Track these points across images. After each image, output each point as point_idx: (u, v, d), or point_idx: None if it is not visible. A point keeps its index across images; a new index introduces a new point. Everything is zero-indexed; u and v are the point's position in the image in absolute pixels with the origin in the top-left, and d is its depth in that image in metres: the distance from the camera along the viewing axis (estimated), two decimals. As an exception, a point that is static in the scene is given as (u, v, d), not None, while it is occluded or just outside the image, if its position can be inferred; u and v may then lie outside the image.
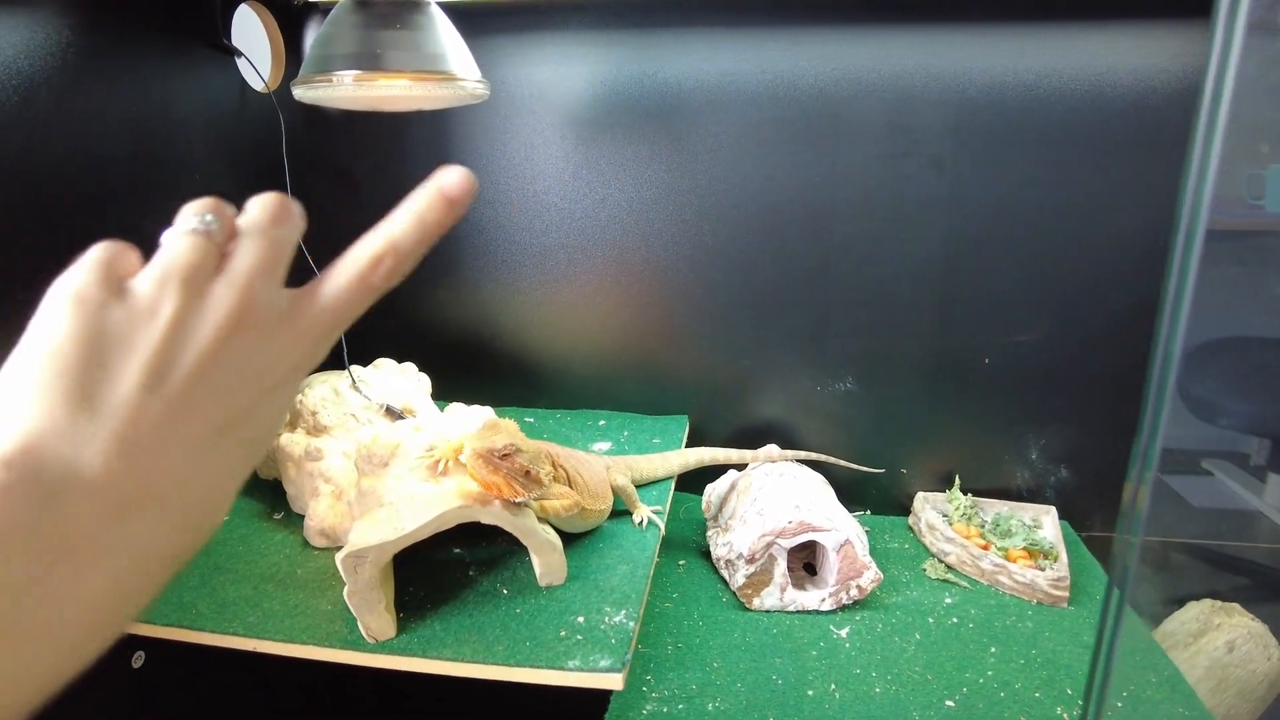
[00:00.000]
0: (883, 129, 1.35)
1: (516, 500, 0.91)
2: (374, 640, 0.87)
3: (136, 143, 1.11)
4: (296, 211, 0.42)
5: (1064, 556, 1.29)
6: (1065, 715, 1.00)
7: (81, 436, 0.31)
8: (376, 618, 0.87)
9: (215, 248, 0.38)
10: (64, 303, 0.35)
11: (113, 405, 0.32)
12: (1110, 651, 0.54)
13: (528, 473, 0.91)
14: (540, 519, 0.96)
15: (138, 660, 1.10)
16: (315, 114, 1.47)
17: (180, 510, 0.34)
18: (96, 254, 0.37)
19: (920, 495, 1.48)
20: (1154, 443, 0.51)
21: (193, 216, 0.39)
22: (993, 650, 1.13)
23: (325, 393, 1.17)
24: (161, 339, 0.34)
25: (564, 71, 1.41)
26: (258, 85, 1.35)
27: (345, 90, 0.86)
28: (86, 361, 0.33)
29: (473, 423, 1.07)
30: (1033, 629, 1.18)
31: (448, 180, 0.41)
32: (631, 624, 0.89)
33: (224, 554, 1.07)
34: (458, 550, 1.06)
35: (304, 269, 1.24)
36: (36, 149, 0.96)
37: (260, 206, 0.40)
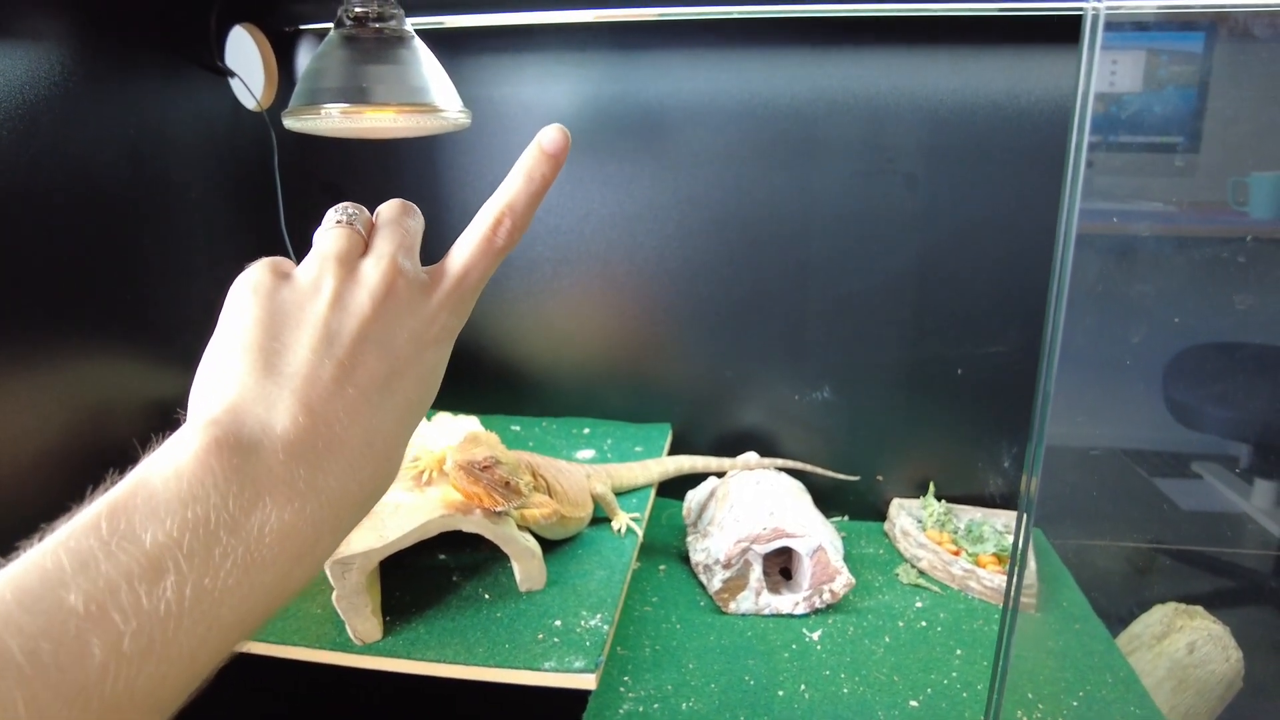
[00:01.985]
0: (858, 146, 1.39)
1: (497, 510, 0.95)
2: (361, 642, 0.91)
3: (134, 162, 1.15)
4: (419, 211, 0.49)
5: (1033, 563, 1.33)
6: (1023, 716, 1.05)
7: (270, 398, 0.37)
8: (364, 621, 0.91)
9: (359, 234, 0.45)
10: (244, 293, 0.41)
11: (293, 370, 0.39)
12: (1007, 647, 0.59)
13: (507, 484, 0.95)
14: (520, 527, 1.01)
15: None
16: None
17: (360, 459, 0.39)
18: (264, 258, 0.44)
19: (896, 501, 1.52)
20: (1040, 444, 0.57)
21: (336, 212, 0.45)
22: (958, 653, 1.17)
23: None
24: (326, 310, 0.41)
25: (546, 91, 1.45)
26: (250, 104, 1.40)
27: (334, 122, 0.90)
28: (268, 337, 0.39)
29: (458, 433, 1.11)
30: (998, 632, 1.22)
31: (547, 138, 0.49)
32: (606, 627, 0.94)
33: (217, 559, 1.11)
34: (442, 556, 1.11)
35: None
36: (40, 172, 1.00)
37: (390, 205, 0.48)
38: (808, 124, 1.40)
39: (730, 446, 1.51)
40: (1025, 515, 0.64)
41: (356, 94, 0.86)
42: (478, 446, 0.95)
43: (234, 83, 1.35)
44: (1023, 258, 1.40)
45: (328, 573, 0.88)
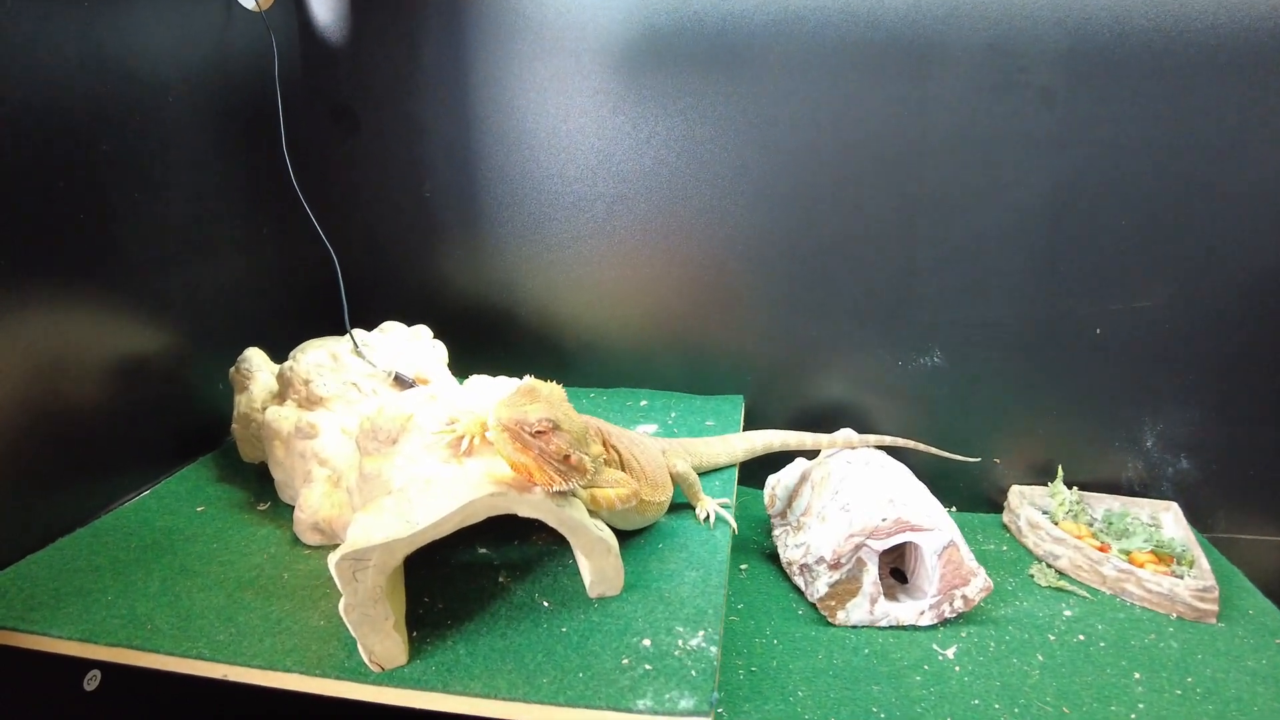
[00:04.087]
0: (981, 55, 1.14)
1: (554, 490, 0.70)
2: (379, 668, 0.67)
3: (100, 68, 0.92)
4: None
5: (1204, 561, 1.08)
6: (1252, 764, 0.79)
7: None
8: (382, 639, 0.66)
9: None
10: None
11: None
12: None
13: (567, 458, 0.70)
14: (590, 512, 0.76)
15: (91, 681, 0.90)
16: (313, 41, 1.26)
17: None
18: None
19: (1015, 489, 1.27)
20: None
21: None
22: (1136, 676, 0.92)
23: (321, 358, 0.96)
24: None
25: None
26: (248, 3, 1.15)
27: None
28: None
29: (500, 394, 0.86)
30: (1180, 650, 0.97)
31: None
32: (713, 649, 0.69)
33: (192, 553, 0.87)
34: (483, 549, 0.86)
35: (302, 217, 1.01)
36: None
37: None
38: (920, 27, 1.14)
39: (813, 423, 1.27)
40: None
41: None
42: (533, 403, 0.70)
43: (224, -28, 1.11)
44: (1182, 193, 1.15)
45: (333, 573, 0.63)
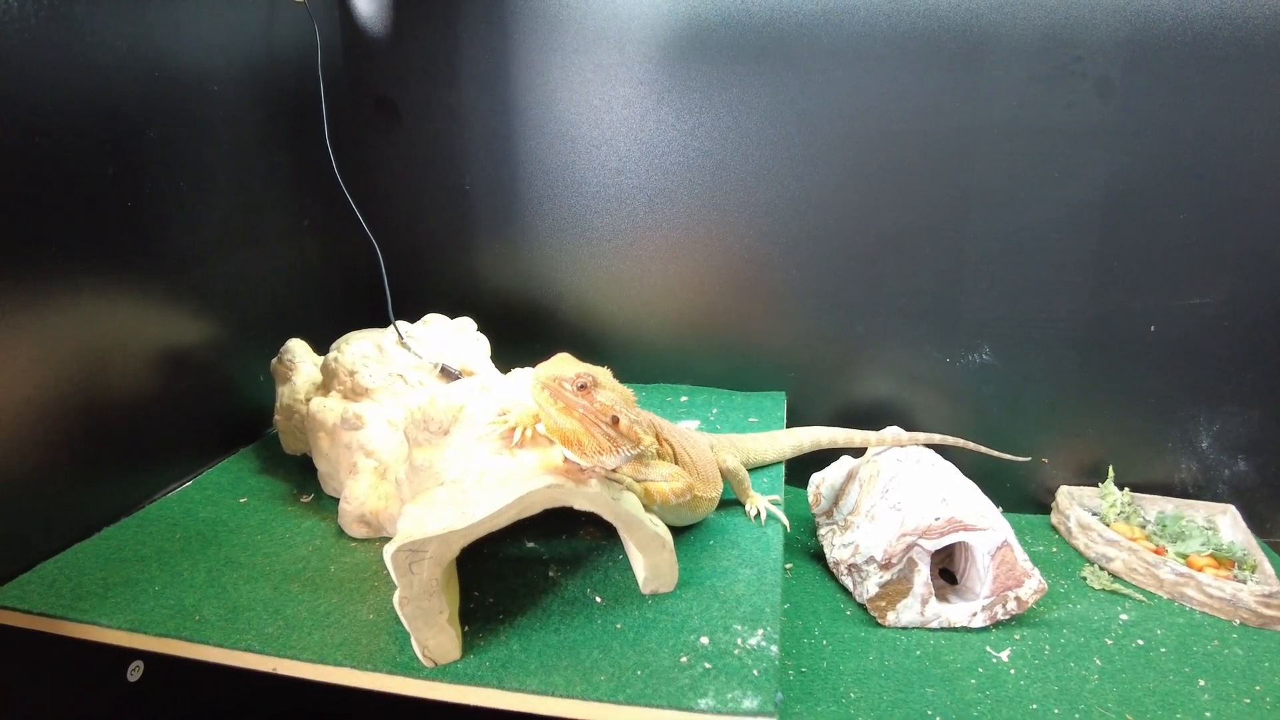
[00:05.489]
0: (1037, 43, 1.12)
1: (604, 460, 0.68)
2: (432, 664, 0.65)
3: (145, 59, 0.92)
4: None
5: (1267, 566, 1.05)
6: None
7: None
8: (436, 633, 0.65)
9: None
10: None
11: None
12: None
13: (615, 421, 0.68)
14: (644, 507, 0.74)
15: (135, 672, 0.90)
16: (355, 31, 1.26)
17: None
18: None
19: (1064, 490, 1.24)
20: None
21: None
22: (1201, 683, 0.89)
23: (366, 349, 0.95)
24: None
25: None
26: (290, -9, 1.14)
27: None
28: None
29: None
30: (1245, 657, 0.94)
31: None
32: (773, 648, 0.67)
33: (236, 545, 0.86)
34: (531, 544, 0.84)
35: (344, 209, 1.00)
36: (30, 79, 0.78)
37: None
38: (972, 14, 1.12)
39: (857, 420, 1.24)
40: None
41: None
42: (572, 365, 0.70)
43: (268, -38, 1.11)
44: (1242, 186, 1.11)
45: (389, 565, 0.62)
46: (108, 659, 0.86)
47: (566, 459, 0.69)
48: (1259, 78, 1.07)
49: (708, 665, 0.65)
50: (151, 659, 0.89)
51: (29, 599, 0.74)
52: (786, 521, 0.91)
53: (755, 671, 0.64)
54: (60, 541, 0.84)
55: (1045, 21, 1.10)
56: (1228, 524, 1.17)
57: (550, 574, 0.79)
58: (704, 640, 0.68)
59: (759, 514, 0.91)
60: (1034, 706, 0.85)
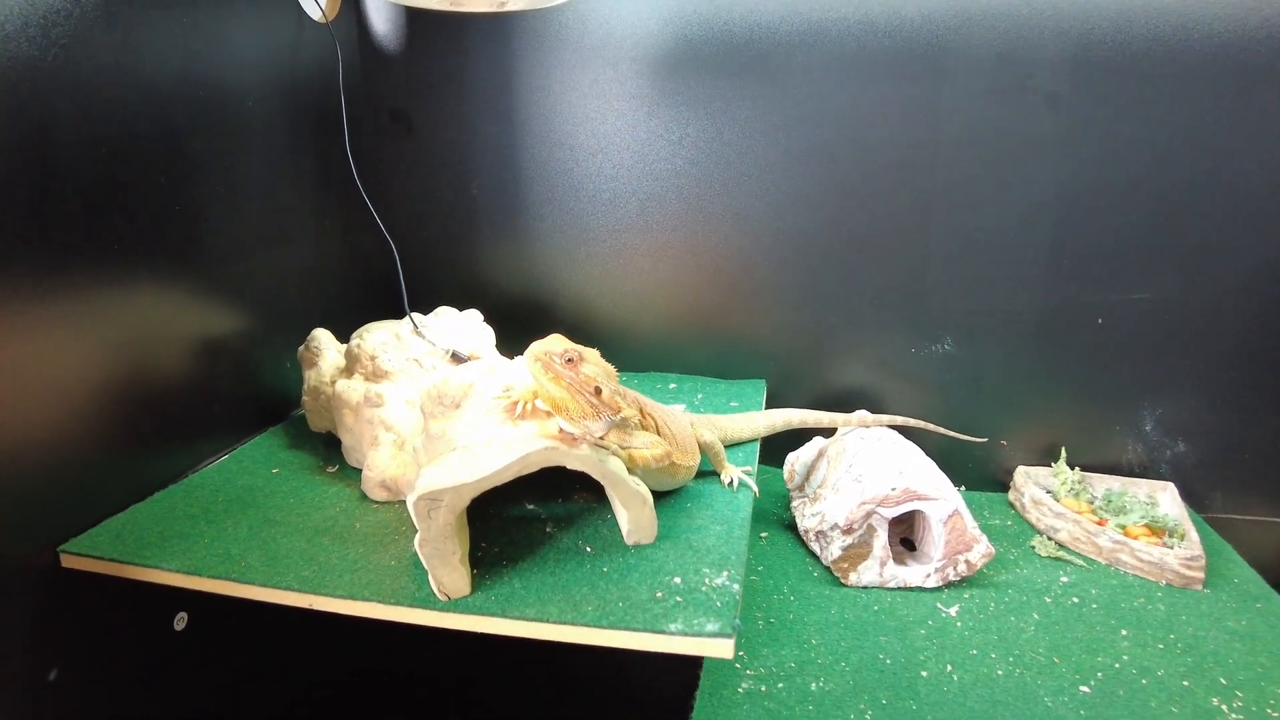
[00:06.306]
0: (991, 62, 1.23)
1: (590, 426, 0.81)
2: (446, 597, 0.77)
3: (187, 76, 1.03)
4: None
5: (1193, 534, 1.16)
6: (1223, 707, 0.88)
7: None
8: (450, 571, 0.76)
9: None
10: None
11: None
12: None
13: (598, 391, 0.81)
14: (628, 470, 0.86)
15: (180, 622, 1.02)
16: (373, 49, 1.38)
17: None
18: None
19: (1021, 469, 1.35)
20: None
21: None
22: (1124, 633, 1.01)
23: (385, 337, 1.07)
24: None
25: (638, 1, 1.30)
26: (315, 15, 1.26)
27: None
28: None
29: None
30: (1166, 612, 1.05)
31: None
32: (735, 586, 0.78)
33: (273, 506, 0.97)
34: (531, 505, 0.96)
35: (363, 212, 1.13)
36: (86, 89, 0.89)
37: None
38: (934, 36, 1.23)
39: (832, 405, 1.35)
40: None
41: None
42: (564, 345, 0.82)
43: (296, -11, 1.23)
44: (1181, 190, 1.22)
45: (411, 512, 0.74)
46: (161, 604, 0.98)
47: (561, 429, 0.82)
48: (1189, 93, 1.18)
49: (679, 599, 0.77)
50: (195, 607, 1.01)
51: (100, 547, 0.86)
52: (756, 488, 1.03)
53: (718, 604, 0.75)
54: (120, 503, 0.95)
55: (1000, 42, 1.22)
56: (1168, 500, 1.28)
57: (548, 530, 0.91)
58: (677, 580, 0.80)
59: (732, 481, 1.02)
60: (974, 652, 0.97)
